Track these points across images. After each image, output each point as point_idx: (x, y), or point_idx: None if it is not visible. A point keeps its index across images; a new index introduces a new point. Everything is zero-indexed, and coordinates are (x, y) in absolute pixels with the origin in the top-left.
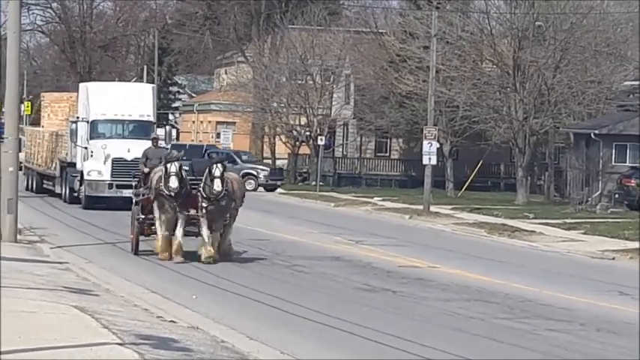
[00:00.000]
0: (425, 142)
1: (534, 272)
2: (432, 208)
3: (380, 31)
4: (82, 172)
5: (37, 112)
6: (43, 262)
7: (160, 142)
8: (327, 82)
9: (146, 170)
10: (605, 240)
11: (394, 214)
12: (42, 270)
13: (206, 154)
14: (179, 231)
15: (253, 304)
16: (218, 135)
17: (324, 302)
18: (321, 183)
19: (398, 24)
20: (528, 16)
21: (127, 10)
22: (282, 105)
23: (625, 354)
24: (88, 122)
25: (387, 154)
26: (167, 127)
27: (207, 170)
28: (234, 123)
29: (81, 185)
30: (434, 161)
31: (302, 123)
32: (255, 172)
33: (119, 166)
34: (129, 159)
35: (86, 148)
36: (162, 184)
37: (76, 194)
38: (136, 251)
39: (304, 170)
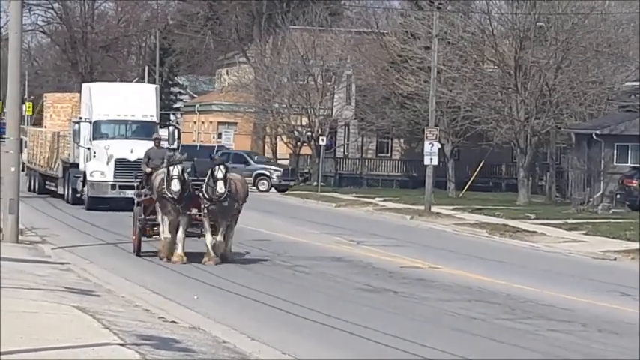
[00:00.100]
0: (426, 143)
1: (535, 273)
2: (434, 209)
3: (381, 31)
4: (84, 173)
5: (39, 113)
6: (44, 262)
7: (162, 142)
8: (329, 83)
9: (148, 170)
10: (606, 240)
11: (395, 214)
12: (43, 270)
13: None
14: (181, 233)
15: (254, 304)
16: (219, 135)
17: (325, 302)
18: (322, 183)
19: (399, 24)
20: (530, 17)
21: (129, 11)
22: (284, 105)
23: (626, 354)
24: (90, 123)
25: (389, 155)
26: (170, 128)
27: (209, 172)
28: (235, 123)
29: (84, 186)
30: (435, 162)
31: (303, 123)
32: (268, 173)
33: (122, 166)
34: (132, 160)
35: (89, 148)
36: (164, 186)
37: (78, 195)
38: (138, 252)
39: (305, 171)
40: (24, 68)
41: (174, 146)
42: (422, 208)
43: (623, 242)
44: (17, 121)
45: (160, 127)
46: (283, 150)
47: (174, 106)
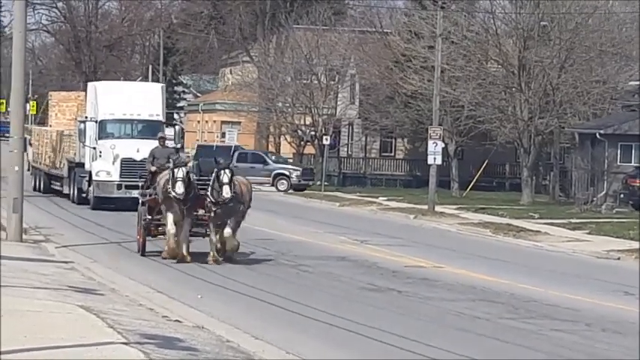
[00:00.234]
0: (430, 142)
1: (539, 272)
2: (437, 208)
3: (385, 30)
4: (90, 173)
5: (44, 112)
6: (48, 261)
7: (167, 141)
8: (332, 82)
9: (153, 169)
10: (610, 240)
11: (399, 213)
12: (47, 269)
13: (235, 154)
14: (185, 233)
15: (258, 303)
16: (223, 135)
17: (329, 302)
18: (326, 183)
19: (403, 24)
20: (533, 16)
21: (133, 10)
22: (287, 105)
23: (630, 354)
24: (96, 122)
25: (392, 154)
26: (177, 127)
27: (214, 175)
28: (239, 123)
29: (89, 186)
30: (439, 161)
31: (307, 123)
32: (287, 173)
33: (128, 166)
34: (138, 159)
35: (95, 148)
36: (169, 186)
37: (84, 195)
38: (143, 252)
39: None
40: (28, 67)
41: (179, 145)
42: (425, 207)
43: (626, 242)
44: (21, 120)
45: (166, 127)
46: (287, 149)
47: (178, 105)
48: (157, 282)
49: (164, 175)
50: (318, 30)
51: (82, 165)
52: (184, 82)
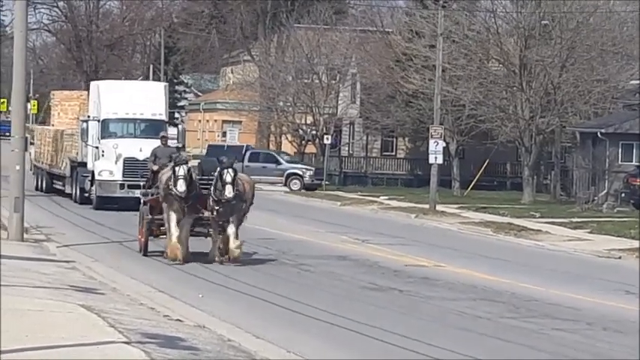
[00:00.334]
0: (431, 141)
1: (540, 271)
2: (438, 207)
3: (386, 30)
4: (92, 172)
5: (46, 111)
6: (49, 260)
7: (169, 140)
8: (333, 81)
9: (155, 168)
10: (611, 239)
11: (400, 213)
12: (48, 269)
13: (247, 154)
14: (186, 232)
15: (260, 303)
16: (224, 134)
17: (330, 301)
18: (327, 182)
19: (404, 23)
20: (535, 15)
21: (134, 9)
22: (289, 104)
23: (631, 353)
24: (99, 121)
25: (393, 153)
26: (180, 127)
27: (217, 174)
28: (240, 122)
29: (92, 185)
30: (440, 160)
31: (308, 122)
32: (300, 172)
33: (131, 165)
34: (141, 159)
35: (97, 147)
36: (171, 183)
37: (86, 194)
38: (144, 252)
39: None
40: (29, 67)
41: (181, 144)
42: (427, 206)
43: (628, 241)
44: (22, 119)
45: (169, 126)
46: (288, 148)
47: (179, 104)
48: (158, 281)
49: (165, 172)
50: (319, 29)
51: (85, 164)
52: (185, 81)
